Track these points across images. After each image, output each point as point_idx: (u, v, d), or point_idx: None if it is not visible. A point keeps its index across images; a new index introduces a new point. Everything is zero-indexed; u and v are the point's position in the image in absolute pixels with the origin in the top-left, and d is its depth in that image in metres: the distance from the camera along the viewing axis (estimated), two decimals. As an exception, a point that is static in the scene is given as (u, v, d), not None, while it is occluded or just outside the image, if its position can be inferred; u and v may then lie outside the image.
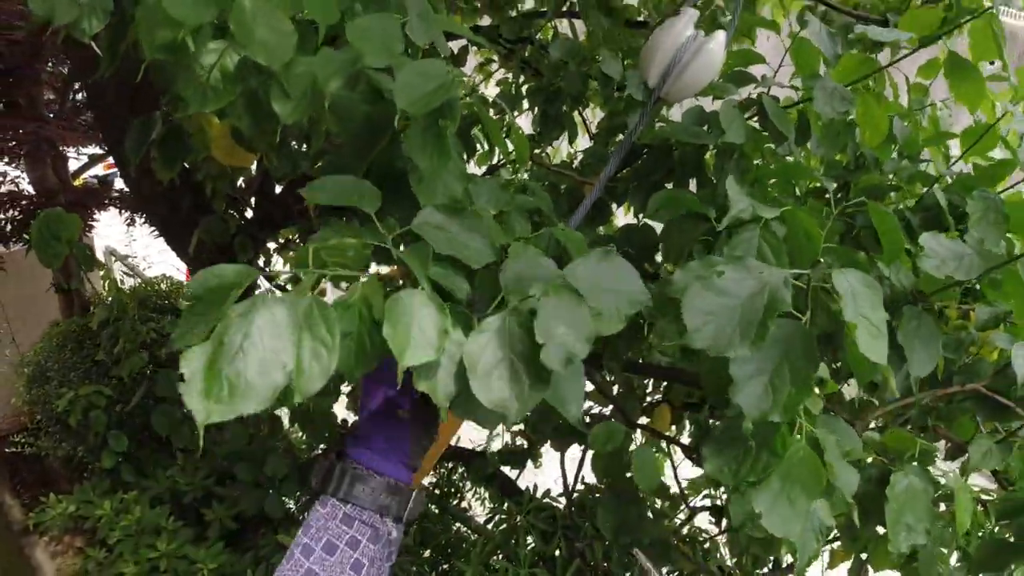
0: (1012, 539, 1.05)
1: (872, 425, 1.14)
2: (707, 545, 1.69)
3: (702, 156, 1.18)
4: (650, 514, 1.31)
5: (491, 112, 1.76)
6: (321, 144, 1.12)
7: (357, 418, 0.77)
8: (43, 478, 2.72)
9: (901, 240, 0.86)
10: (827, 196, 0.93)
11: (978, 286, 1.14)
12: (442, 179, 0.79)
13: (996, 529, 1.08)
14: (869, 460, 1.04)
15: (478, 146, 1.69)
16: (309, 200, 0.68)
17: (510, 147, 0.95)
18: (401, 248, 0.68)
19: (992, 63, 1.14)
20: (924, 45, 1.04)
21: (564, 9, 1.89)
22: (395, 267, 0.66)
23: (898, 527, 0.93)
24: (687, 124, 1.13)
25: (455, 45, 1.98)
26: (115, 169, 3.21)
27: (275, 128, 0.92)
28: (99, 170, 3.18)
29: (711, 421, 1.99)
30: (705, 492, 1.90)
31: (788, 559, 1.62)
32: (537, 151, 1.89)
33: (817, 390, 1.08)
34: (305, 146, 1.18)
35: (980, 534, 1.09)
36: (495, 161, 1.60)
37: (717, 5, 1.57)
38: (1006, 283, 0.96)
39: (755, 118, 1.15)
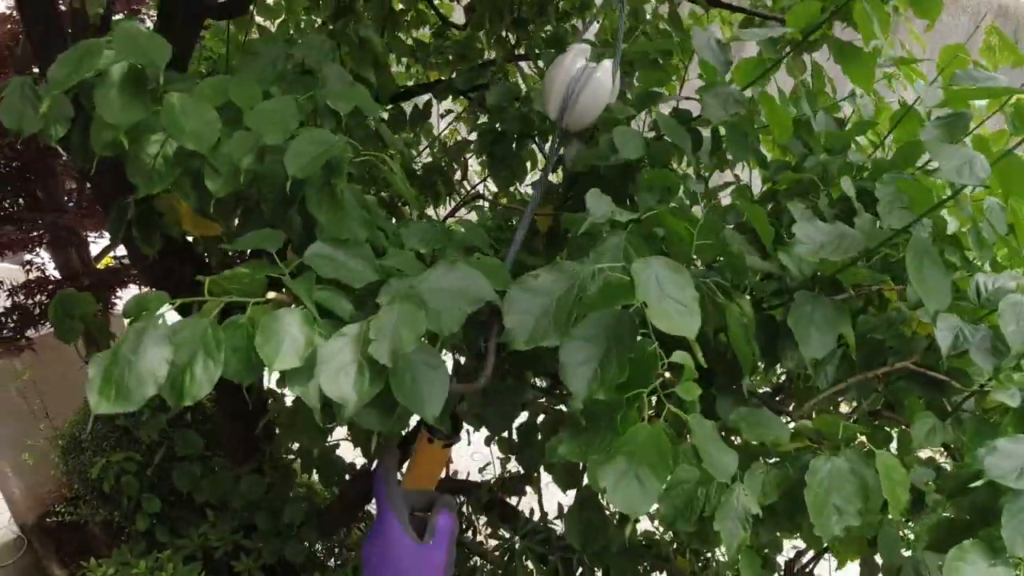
0: (966, 516, 1.08)
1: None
2: (706, 556, 1.73)
3: (626, 175, 1.28)
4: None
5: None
6: (246, 213, 1.28)
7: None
8: (85, 547, 2.93)
9: (767, 228, 0.94)
10: (709, 203, 1.02)
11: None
12: (345, 227, 0.93)
13: (948, 509, 1.11)
14: (805, 448, 1.10)
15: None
16: (235, 246, 0.82)
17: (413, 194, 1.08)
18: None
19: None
20: (807, 36, 1.13)
21: (519, 52, 2.05)
22: (281, 295, 0.79)
23: (825, 511, 0.98)
24: (602, 148, 1.24)
25: (421, 100, 2.15)
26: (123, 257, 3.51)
27: (213, 200, 1.08)
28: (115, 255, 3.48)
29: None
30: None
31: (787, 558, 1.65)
32: (512, 188, 2.03)
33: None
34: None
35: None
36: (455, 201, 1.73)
37: (643, 32, 1.69)
38: (909, 270, 1.01)
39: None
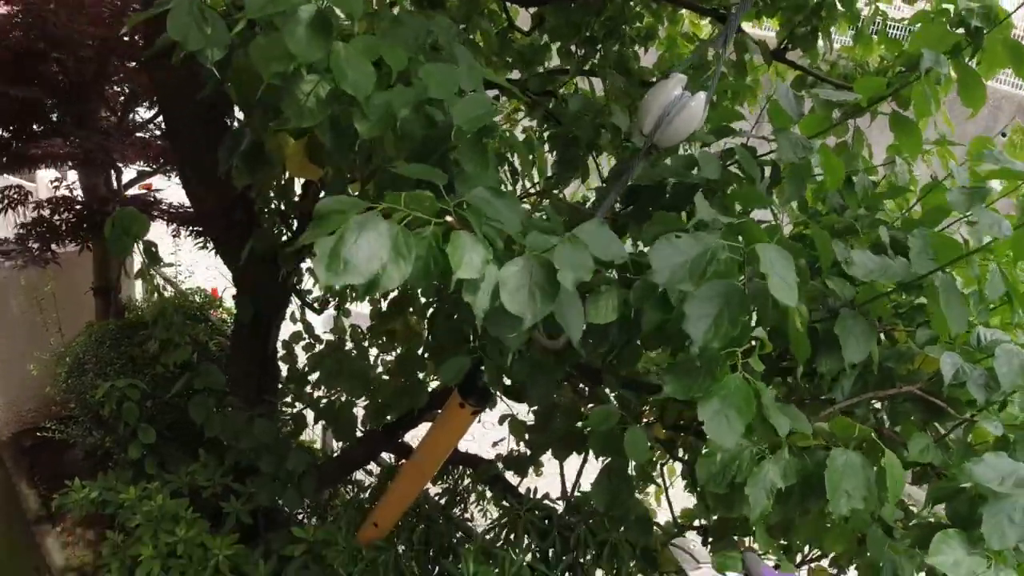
0: (946, 520, 1.30)
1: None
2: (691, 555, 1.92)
3: (691, 194, 1.49)
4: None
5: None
6: (378, 162, 1.46)
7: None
8: (60, 471, 2.96)
9: (830, 251, 1.16)
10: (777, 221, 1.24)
11: (927, 317, 1.43)
12: (481, 181, 1.11)
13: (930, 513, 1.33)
14: (820, 446, 1.30)
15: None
16: (406, 172, 0.99)
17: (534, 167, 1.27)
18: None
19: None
20: (872, 104, 1.36)
21: (585, 68, 2.26)
22: (455, 221, 0.95)
23: (838, 494, 1.18)
24: (678, 166, 1.45)
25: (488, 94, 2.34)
26: (151, 189, 3.59)
27: (350, 143, 1.25)
28: (135, 190, 3.56)
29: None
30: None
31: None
32: (555, 191, 2.23)
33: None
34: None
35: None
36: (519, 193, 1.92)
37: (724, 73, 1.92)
38: (928, 299, 1.24)
39: (736, 163, 1.47)
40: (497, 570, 1.70)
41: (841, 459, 1.20)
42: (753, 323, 0.98)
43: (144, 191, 3.41)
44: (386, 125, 1.16)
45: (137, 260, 3.36)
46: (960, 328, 1.13)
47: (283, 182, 2.06)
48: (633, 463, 1.45)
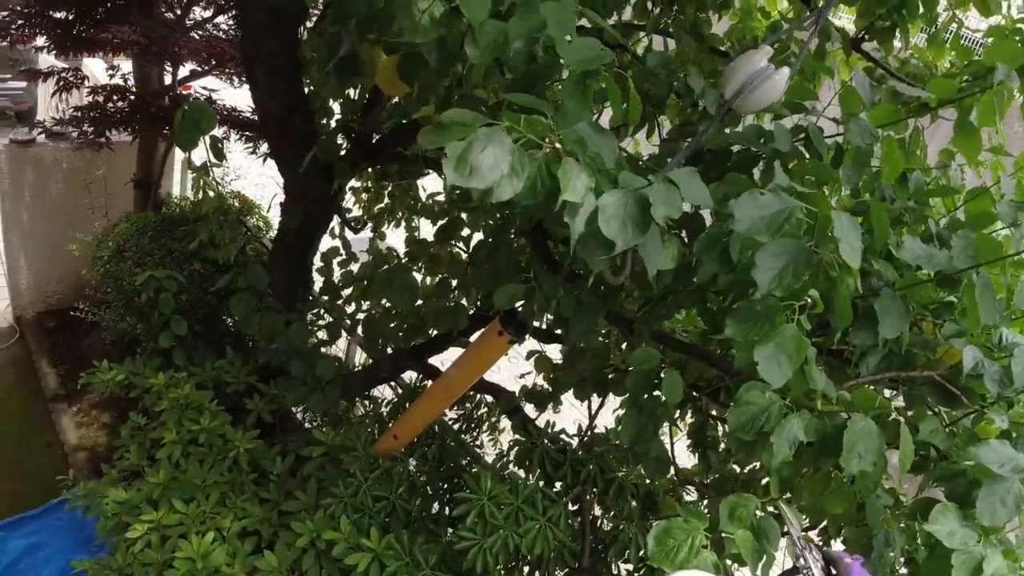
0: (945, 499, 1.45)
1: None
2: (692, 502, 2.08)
3: (754, 163, 1.60)
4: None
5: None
6: (469, 89, 1.55)
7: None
8: (80, 354, 3.10)
9: (887, 228, 1.27)
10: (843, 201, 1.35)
11: (953, 315, 1.55)
12: (580, 119, 1.21)
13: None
14: (839, 412, 1.44)
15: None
16: (509, 98, 1.08)
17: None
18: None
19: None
20: (941, 105, 1.46)
21: (659, 27, 2.33)
22: (560, 150, 1.06)
23: (851, 454, 1.32)
24: (748, 134, 1.55)
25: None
26: (189, 91, 3.65)
27: (451, 65, 1.35)
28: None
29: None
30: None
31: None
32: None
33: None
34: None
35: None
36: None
37: (791, 51, 2.01)
38: (965, 297, 1.36)
39: (801, 140, 1.57)
40: (510, 489, 1.86)
41: (860, 423, 1.33)
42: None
43: (188, 92, 3.48)
44: (494, 53, 1.26)
45: (179, 159, 3.44)
46: (991, 319, 1.26)
47: (352, 97, 2.15)
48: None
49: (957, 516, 1.32)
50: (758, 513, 1.37)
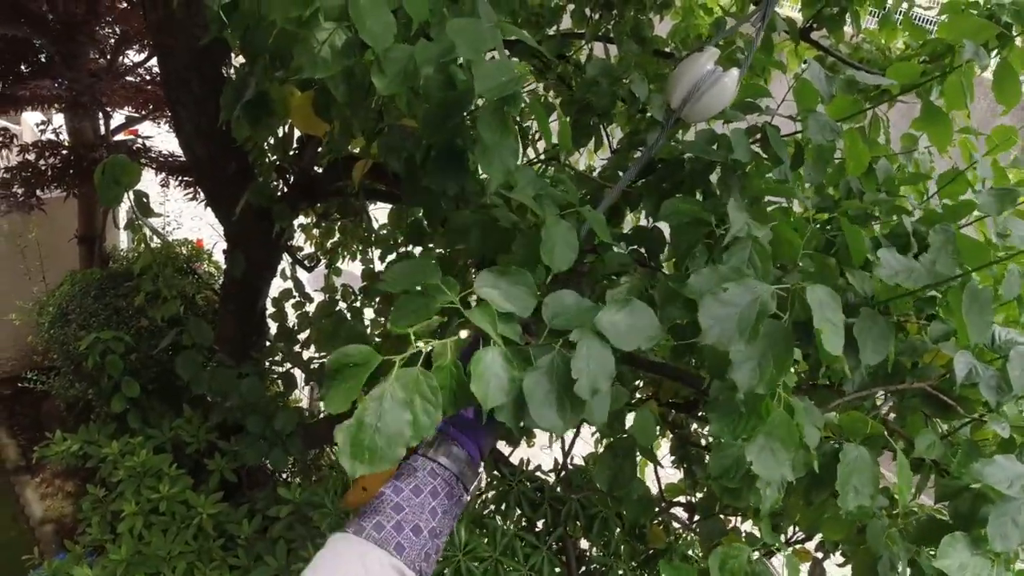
0: (948, 520, 1.28)
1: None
2: (679, 531, 1.90)
3: (710, 172, 1.42)
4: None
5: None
6: (392, 120, 1.36)
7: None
8: (39, 422, 2.87)
9: (864, 248, 1.10)
10: (807, 213, 1.18)
11: (937, 308, 1.38)
12: (500, 153, 1.02)
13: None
14: (828, 438, 1.27)
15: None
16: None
17: (555, 138, 1.18)
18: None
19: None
20: (904, 92, 1.29)
21: (599, 33, 2.15)
22: (470, 329, 0.88)
23: (847, 488, 1.14)
24: (701, 142, 1.37)
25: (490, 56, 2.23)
26: (136, 135, 3.43)
27: (364, 98, 1.16)
28: (121, 136, 3.40)
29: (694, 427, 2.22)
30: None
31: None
32: (566, 158, 2.14)
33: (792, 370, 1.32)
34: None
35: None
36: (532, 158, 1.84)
37: (737, 47, 1.84)
38: (951, 301, 1.19)
39: (758, 142, 1.39)
40: (487, 540, 1.67)
41: (854, 454, 1.16)
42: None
43: (130, 137, 3.26)
44: (405, 81, 1.07)
45: (123, 209, 3.22)
46: (981, 338, 1.10)
47: (282, 135, 1.95)
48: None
49: (966, 544, 1.15)
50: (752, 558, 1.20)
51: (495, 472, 1.91)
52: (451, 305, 0.87)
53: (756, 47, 1.25)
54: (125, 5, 2.63)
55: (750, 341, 0.87)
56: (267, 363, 2.34)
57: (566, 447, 1.93)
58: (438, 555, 0.83)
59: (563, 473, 1.87)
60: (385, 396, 0.76)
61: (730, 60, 1.79)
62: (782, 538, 2.03)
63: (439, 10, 1.18)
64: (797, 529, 1.94)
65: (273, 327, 2.38)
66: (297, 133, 1.99)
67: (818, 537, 1.82)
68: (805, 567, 1.95)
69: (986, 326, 1.14)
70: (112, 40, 2.78)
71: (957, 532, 1.16)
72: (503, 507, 1.81)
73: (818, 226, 1.54)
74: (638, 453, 1.55)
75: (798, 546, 2.01)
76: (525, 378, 0.81)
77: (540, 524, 1.84)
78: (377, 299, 2.18)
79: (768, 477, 0.86)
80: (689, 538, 1.90)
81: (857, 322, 1.14)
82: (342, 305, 2.28)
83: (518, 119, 1.82)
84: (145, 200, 1.88)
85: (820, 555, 1.83)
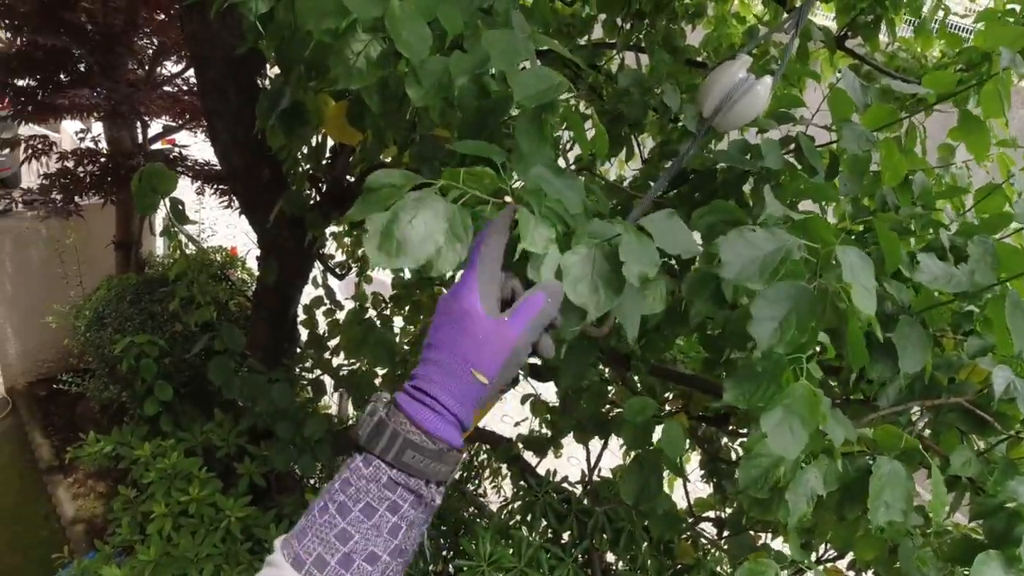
0: (984, 538, 1.27)
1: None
2: (707, 547, 1.89)
3: (743, 182, 1.43)
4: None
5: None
6: (425, 130, 1.40)
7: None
8: (73, 423, 2.96)
9: (899, 254, 1.10)
10: (844, 224, 1.18)
11: (975, 323, 1.37)
12: (537, 160, 1.05)
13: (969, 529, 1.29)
14: (862, 452, 1.26)
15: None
16: (461, 148, 0.93)
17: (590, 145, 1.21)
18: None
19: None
20: (941, 100, 1.29)
21: (631, 43, 2.18)
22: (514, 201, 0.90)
23: (878, 503, 1.14)
24: (733, 152, 1.38)
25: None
26: (174, 144, 3.53)
27: (398, 108, 1.19)
28: (158, 145, 3.51)
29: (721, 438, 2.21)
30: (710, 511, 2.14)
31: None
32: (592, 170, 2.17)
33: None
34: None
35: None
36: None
37: (771, 56, 1.85)
38: (990, 312, 1.18)
39: (792, 152, 1.40)
40: (513, 551, 1.68)
41: (887, 467, 1.15)
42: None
43: (168, 146, 3.36)
44: (439, 93, 1.10)
45: (159, 216, 3.32)
46: (1024, 345, 1.08)
47: (316, 144, 2.01)
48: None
49: (1001, 564, 1.13)
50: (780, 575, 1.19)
51: (521, 483, 1.92)
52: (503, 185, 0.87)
53: (789, 55, 1.26)
54: (163, 17, 2.73)
55: (768, 283, 0.87)
56: (298, 369, 2.39)
57: (592, 459, 1.94)
58: (405, 567, 0.68)
59: (589, 485, 1.88)
60: (426, 201, 0.77)
61: (764, 70, 1.80)
62: (813, 556, 2.01)
63: (473, 22, 1.22)
64: (829, 547, 1.92)
65: (304, 334, 2.43)
66: (330, 142, 2.04)
67: (850, 555, 1.80)
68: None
69: (1030, 330, 1.13)
70: (150, 51, 2.88)
71: (991, 551, 1.14)
72: (529, 518, 1.82)
73: (853, 237, 1.54)
74: (665, 468, 1.56)
75: (829, 564, 1.99)
76: (565, 257, 0.81)
77: (566, 536, 1.85)
78: (406, 307, 2.21)
79: (784, 452, 0.85)
80: (718, 554, 1.89)
81: (897, 329, 1.14)
82: (372, 313, 2.32)
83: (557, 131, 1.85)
84: (181, 207, 1.95)
85: (852, 574, 1.81)
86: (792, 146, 1.40)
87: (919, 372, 1.25)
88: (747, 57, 1.31)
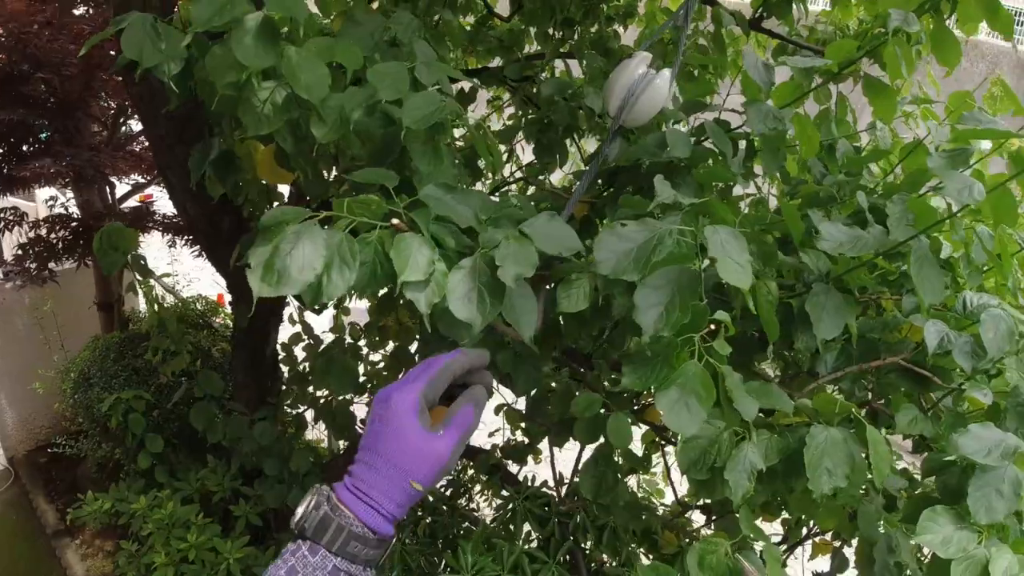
0: (936, 495, 1.29)
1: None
2: (694, 533, 1.92)
3: (667, 174, 1.47)
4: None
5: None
6: (347, 163, 1.46)
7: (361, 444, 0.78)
8: (74, 484, 3.03)
9: (799, 225, 1.14)
10: (749, 197, 1.22)
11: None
12: (438, 179, 1.10)
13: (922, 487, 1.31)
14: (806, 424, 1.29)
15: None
16: (355, 178, 0.98)
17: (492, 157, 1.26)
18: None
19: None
20: (842, 70, 1.32)
21: (563, 51, 2.23)
22: (401, 223, 0.95)
23: (819, 471, 1.16)
24: (650, 145, 1.43)
25: (467, 84, 2.32)
26: (151, 200, 3.62)
27: (312, 147, 1.25)
28: (133, 202, 3.60)
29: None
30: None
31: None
32: (541, 177, 2.22)
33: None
34: (332, 171, 1.51)
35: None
36: (500, 180, 1.91)
37: (702, 45, 1.89)
38: (909, 269, 1.21)
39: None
40: (493, 559, 1.71)
41: (821, 436, 1.18)
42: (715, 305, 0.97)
43: (144, 202, 3.44)
44: (343, 128, 1.16)
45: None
46: (936, 298, 1.11)
47: (266, 187, 2.07)
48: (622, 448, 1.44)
49: (951, 518, 1.15)
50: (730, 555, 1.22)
51: (503, 492, 1.96)
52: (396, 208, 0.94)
53: (683, 45, 1.31)
54: (121, 78, 2.81)
55: (644, 274, 0.91)
56: (283, 406, 2.44)
57: (576, 460, 1.97)
58: None
59: (567, 486, 1.91)
60: (305, 232, 0.83)
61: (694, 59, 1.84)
62: (804, 531, 2.03)
63: (373, 57, 1.28)
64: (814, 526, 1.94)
65: (287, 371, 2.49)
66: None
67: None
68: (827, 559, 1.94)
69: (939, 287, 1.15)
70: (111, 112, 2.97)
71: (938, 506, 1.16)
72: (511, 526, 1.85)
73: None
74: (622, 460, 1.60)
75: (818, 538, 2.00)
76: (449, 277, 0.86)
77: (551, 540, 1.88)
78: (376, 336, 2.26)
79: (682, 431, 0.89)
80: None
81: (809, 297, 1.17)
82: (350, 340, 2.37)
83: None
84: (143, 263, 2.01)
85: (839, 543, 1.82)
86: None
87: (847, 337, 1.29)
88: (645, 54, 1.36)
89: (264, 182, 2.11)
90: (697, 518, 2.13)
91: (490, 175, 2.06)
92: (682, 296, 0.89)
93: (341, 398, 2.11)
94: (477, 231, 0.99)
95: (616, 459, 1.42)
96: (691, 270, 0.90)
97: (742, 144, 1.50)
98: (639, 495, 2.25)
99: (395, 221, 0.93)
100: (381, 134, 1.19)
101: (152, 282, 2.99)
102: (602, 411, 1.41)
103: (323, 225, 0.89)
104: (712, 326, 0.95)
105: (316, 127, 1.16)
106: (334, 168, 1.46)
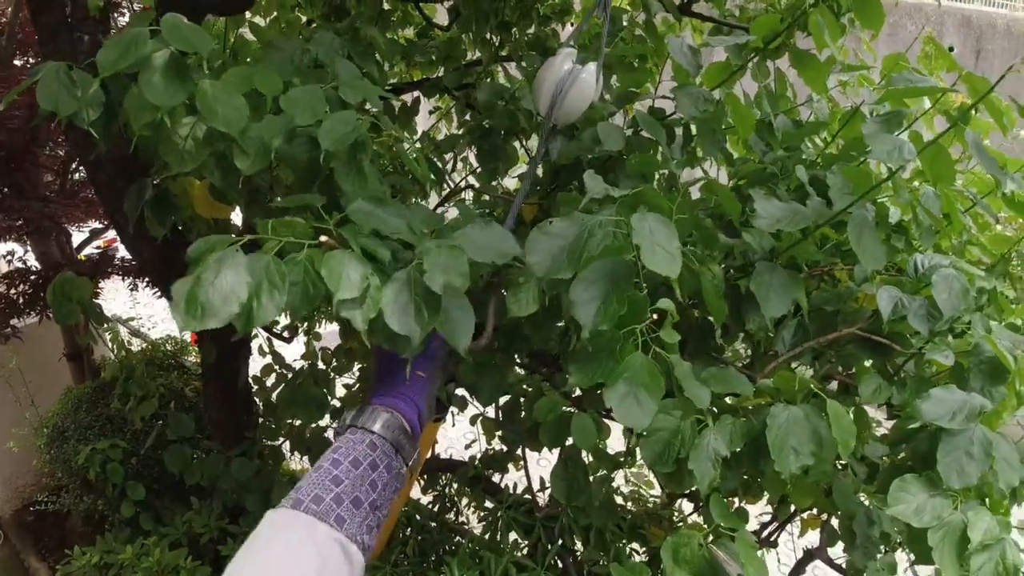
0: (908, 463, 1.27)
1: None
2: (679, 526, 1.90)
3: (608, 168, 1.45)
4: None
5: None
6: (283, 190, 1.43)
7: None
8: (63, 539, 2.97)
9: (734, 203, 1.12)
10: (684, 184, 1.20)
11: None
12: (363, 196, 1.07)
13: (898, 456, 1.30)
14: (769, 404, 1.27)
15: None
16: (285, 203, 0.96)
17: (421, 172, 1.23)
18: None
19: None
20: (768, 44, 1.31)
21: (503, 54, 2.21)
22: (331, 240, 0.92)
23: (784, 451, 1.14)
24: (585, 140, 1.41)
25: (408, 97, 2.30)
26: (114, 244, 3.57)
27: (239, 179, 1.22)
28: (94, 247, 3.54)
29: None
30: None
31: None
32: (493, 183, 2.19)
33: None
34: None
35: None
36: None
37: (639, 36, 1.87)
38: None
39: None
40: (481, 574, 1.69)
41: (783, 415, 1.16)
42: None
43: (106, 247, 3.39)
44: (266, 158, 1.13)
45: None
46: (877, 264, 1.10)
47: (216, 221, 2.03)
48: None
49: (922, 485, 1.13)
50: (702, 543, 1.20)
51: (486, 504, 1.93)
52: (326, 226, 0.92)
53: (606, 37, 1.29)
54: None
55: (578, 269, 0.90)
56: (260, 439, 2.40)
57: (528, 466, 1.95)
58: (379, 529, 0.83)
59: (548, 490, 1.88)
60: (226, 259, 0.81)
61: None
62: (791, 507, 2.02)
63: (292, 81, 1.25)
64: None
65: (262, 403, 2.45)
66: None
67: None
68: (815, 533, 1.93)
69: (879, 253, 1.14)
70: (61, 161, 2.92)
71: (908, 475, 1.15)
72: (497, 536, 1.83)
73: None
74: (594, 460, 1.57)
75: (806, 514, 1.99)
76: (383, 290, 0.84)
77: (538, 546, 1.86)
78: (344, 359, 2.23)
79: (633, 425, 0.88)
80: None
81: (753, 277, 1.16)
82: (322, 366, 2.34)
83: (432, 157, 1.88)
84: (99, 310, 1.97)
85: (825, 517, 1.81)
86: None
87: (801, 312, 1.27)
88: (569, 50, 1.34)
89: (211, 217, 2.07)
90: (688, 508, 2.11)
91: (444, 187, 2.03)
92: (617, 288, 0.87)
93: (313, 425, 2.08)
94: (415, 242, 0.97)
95: (586, 459, 1.39)
96: (625, 261, 0.88)
97: (682, 130, 1.49)
98: (630, 489, 2.23)
99: (323, 239, 0.90)
100: (306, 159, 1.17)
101: (119, 326, 2.94)
102: (571, 411, 1.40)
103: (252, 249, 0.86)
104: (655, 316, 0.94)
105: (239, 159, 1.13)
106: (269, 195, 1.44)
